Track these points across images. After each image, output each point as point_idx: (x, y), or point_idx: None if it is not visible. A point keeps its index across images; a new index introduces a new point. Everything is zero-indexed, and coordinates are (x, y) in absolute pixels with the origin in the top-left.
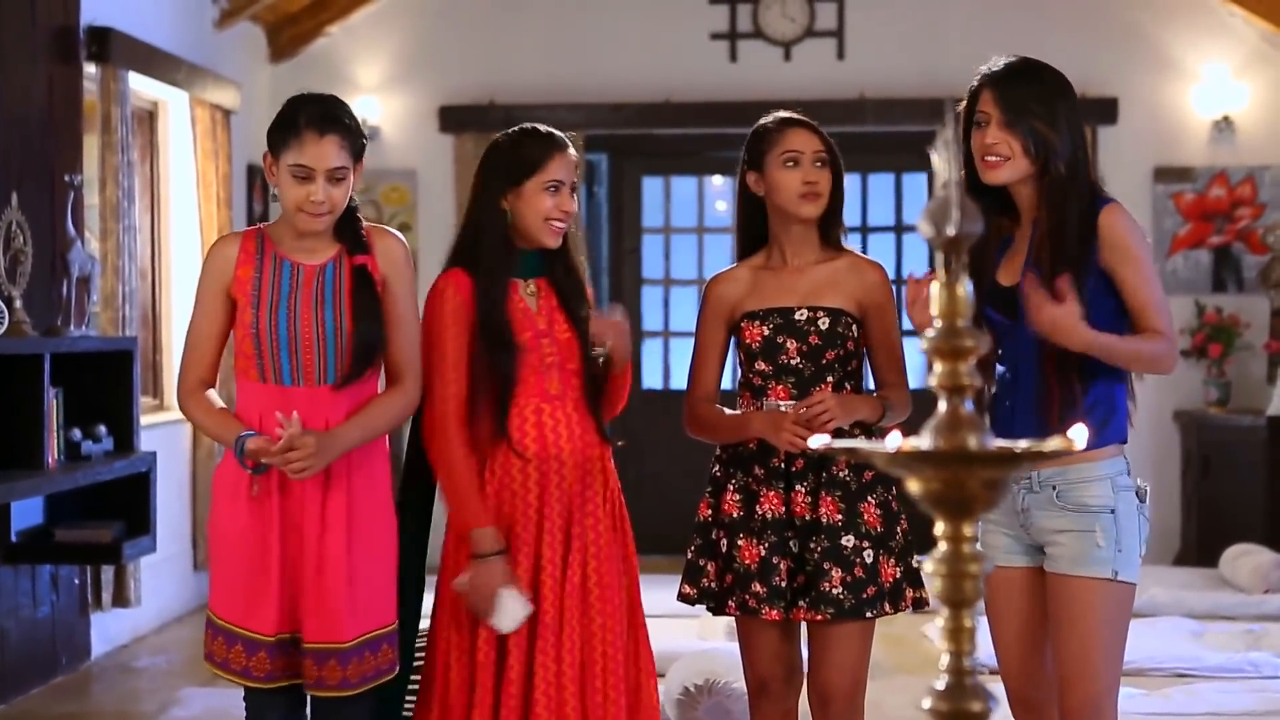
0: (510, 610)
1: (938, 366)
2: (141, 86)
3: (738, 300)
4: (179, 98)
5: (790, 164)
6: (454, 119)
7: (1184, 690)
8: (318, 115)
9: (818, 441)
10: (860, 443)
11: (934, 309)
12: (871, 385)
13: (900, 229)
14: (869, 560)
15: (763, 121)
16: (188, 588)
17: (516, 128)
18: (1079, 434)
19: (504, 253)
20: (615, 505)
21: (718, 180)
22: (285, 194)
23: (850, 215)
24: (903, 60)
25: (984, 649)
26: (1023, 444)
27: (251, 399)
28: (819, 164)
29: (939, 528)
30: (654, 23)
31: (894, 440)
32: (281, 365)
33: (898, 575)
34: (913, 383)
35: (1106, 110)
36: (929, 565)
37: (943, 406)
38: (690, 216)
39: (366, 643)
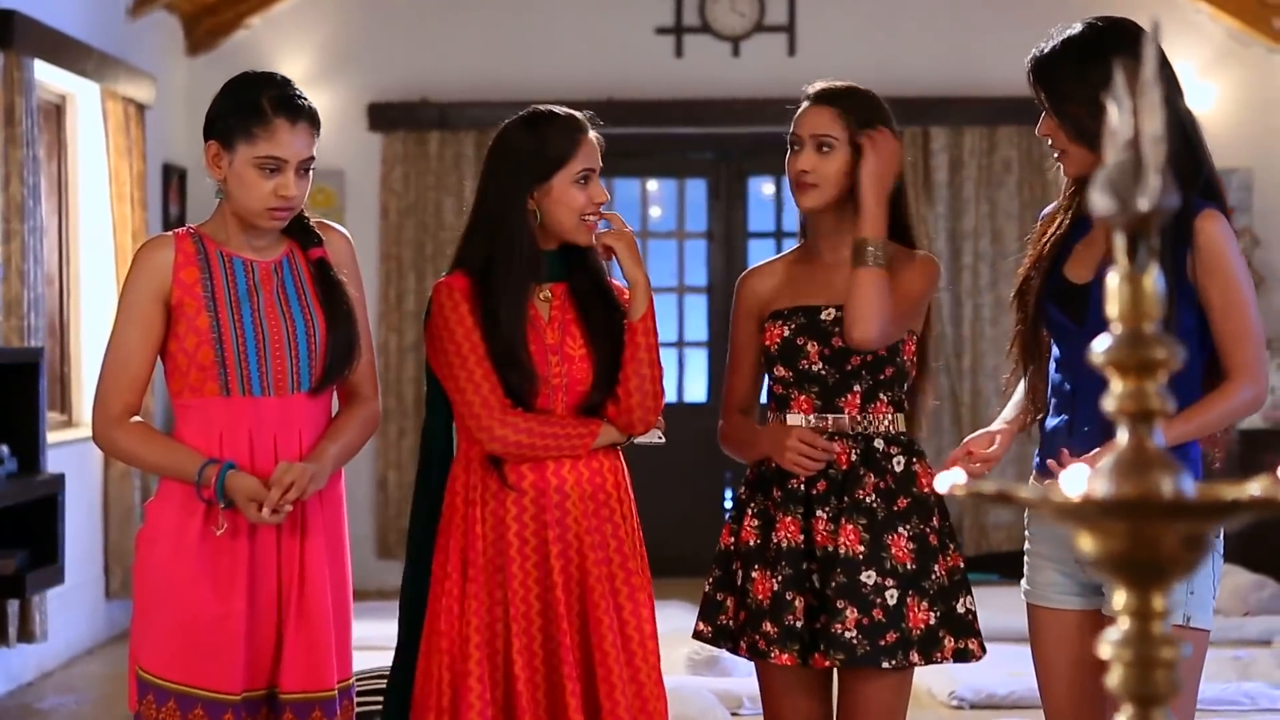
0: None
1: (1117, 385)
2: (48, 77)
3: (769, 297)
4: (89, 90)
5: (794, 147)
6: (383, 117)
7: None
8: (286, 100)
9: (949, 482)
10: (1020, 488)
11: (1111, 308)
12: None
13: None
14: (892, 601)
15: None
16: (99, 619)
17: (527, 113)
18: None
19: (535, 259)
20: (636, 544)
21: (653, 185)
22: (247, 189)
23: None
24: (857, 57)
25: (1017, 684)
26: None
27: (210, 417)
28: (825, 149)
29: (1118, 599)
30: (596, 16)
31: (1079, 481)
32: (250, 373)
33: (931, 621)
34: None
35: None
36: (1106, 649)
37: (1124, 438)
38: (634, 221)
39: (343, 691)
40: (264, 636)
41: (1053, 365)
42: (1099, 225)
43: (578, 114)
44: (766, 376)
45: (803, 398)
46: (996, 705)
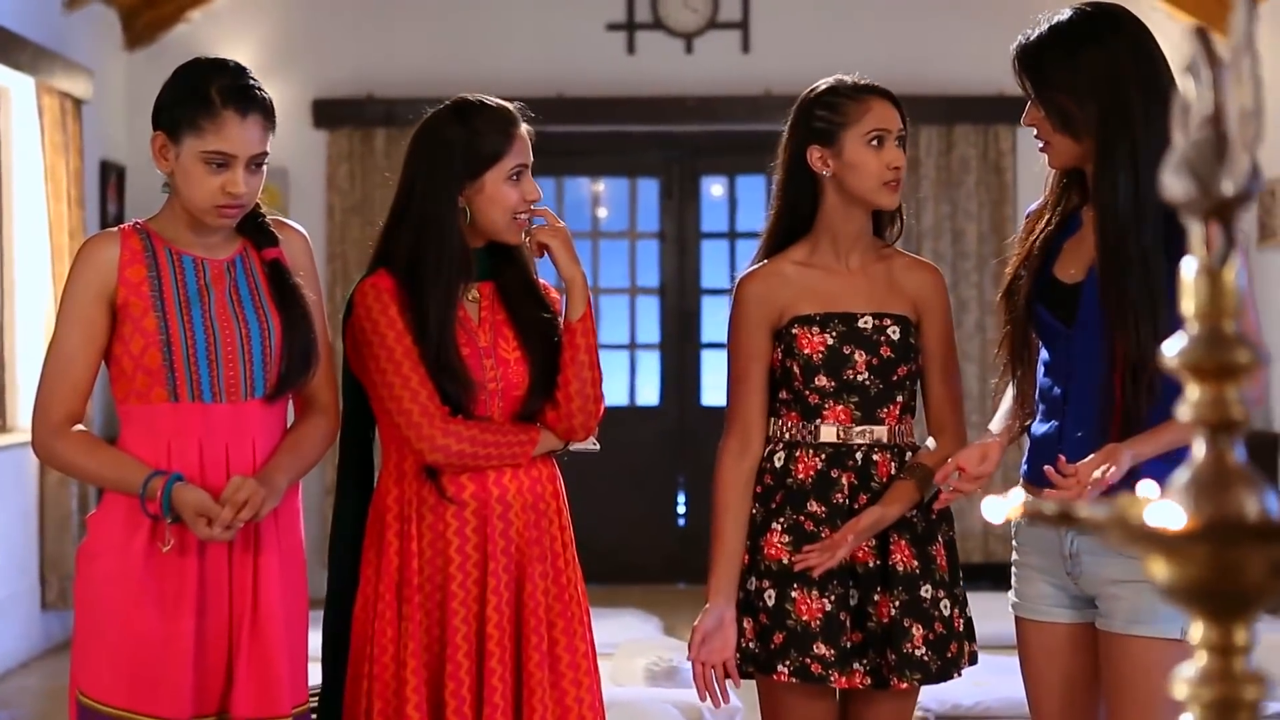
0: None
1: (1194, 391)
2: None
3: (786, 301)
4: (23, 84)
5: (875, 143)
6: (329, 113)
7: None
8: (237, 91)
9: (1003, 512)
10: (1083, 508)
11: (1187, 304)
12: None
13: None
14: (946, 612)
15: (831, 85)
16: (34, 631)
17: (455, 104)
18: None
19: (466, 259)
20: (571, 557)
21: (599, 186)
22: (193, 185)
23: (755, 219)
24: (812, 54)
25: (984, 695)
26: None
27: (157, 424)
28: (898, 145)
29: (1197, 632)
30: (546, 12)
31: (1167, 509)
32: (201, 378)
33: (961, 627)
34: None
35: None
36: (1180, 688)
37: (1201, 452)
38: (584, 220)
39: (299, 717)
40: (214, 659)
41: (1041, 369)
42: (1088, 221)
43: (508, 105)
44: (792, 384)
45: (840, 408)
46: (963, 716)
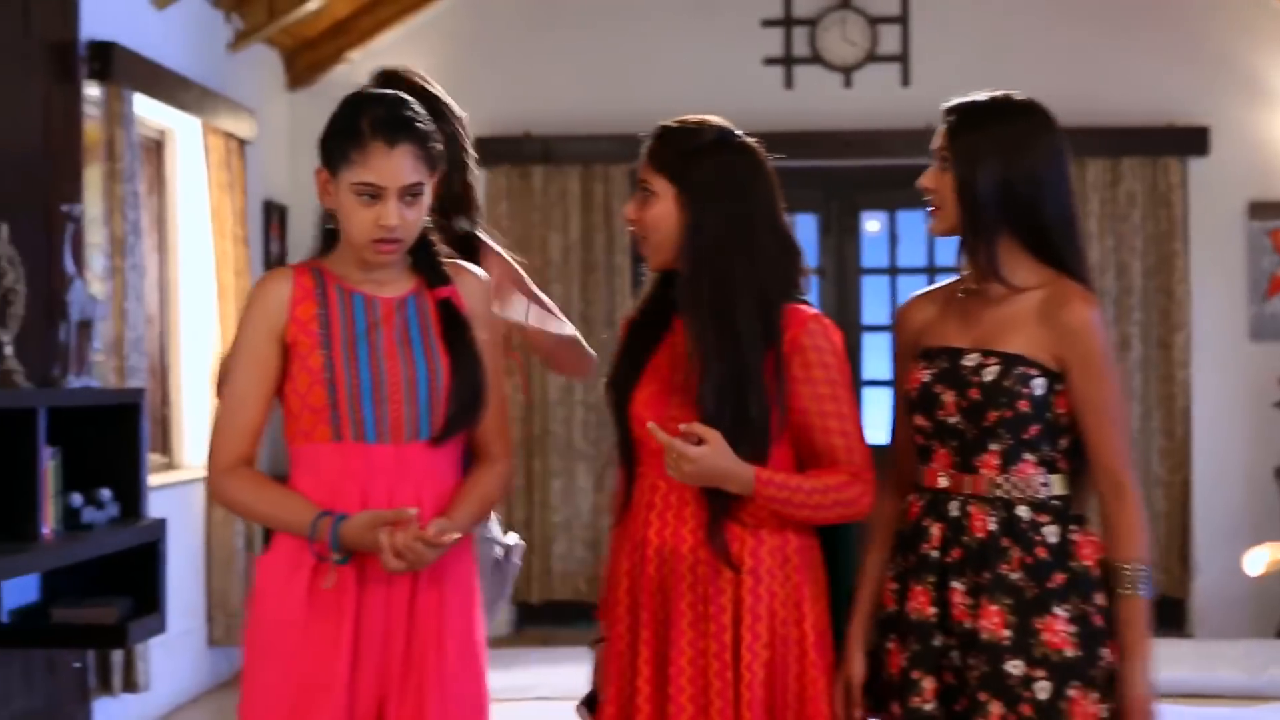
0: None
1: None
2: (147, 111)
3: (921, 332)
4: (189, 125)
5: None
6: (487, 151)
7: None
8: (386, 120)
9: (1259, 563)
10: None
11: None
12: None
13: None
14: (1043, 696)
15: None
16: (203, 667)
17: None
18: None
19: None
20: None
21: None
22: (349, 220)
23: (914, 256)
24: (973, 86)
25: None
26: None
27: (320, 464)
28: (942, 163)
29: None
30: (702, 47)
31: None
32: (364, 418)
33: (1103, 715)
34: None
35: (1196, 141)
36: None
37: None
38: None
39: None
40: (371, 705)
41: None
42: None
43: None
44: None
45: (943, 452)
46: None
